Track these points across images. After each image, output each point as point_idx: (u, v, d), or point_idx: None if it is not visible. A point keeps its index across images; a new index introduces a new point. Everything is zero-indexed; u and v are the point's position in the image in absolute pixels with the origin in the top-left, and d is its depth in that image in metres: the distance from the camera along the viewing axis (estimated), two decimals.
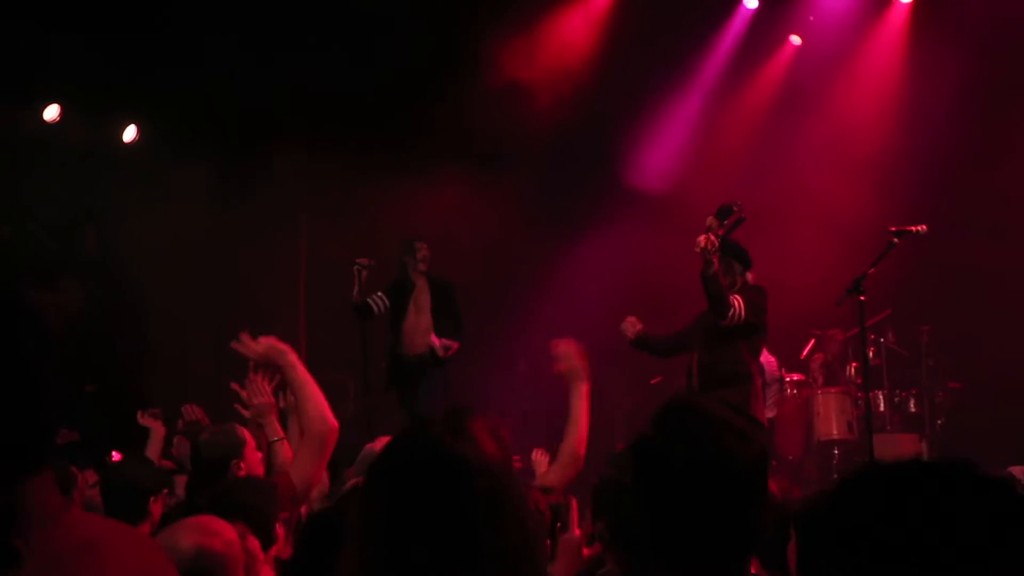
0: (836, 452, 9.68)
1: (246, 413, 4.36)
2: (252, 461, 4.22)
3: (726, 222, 6.01)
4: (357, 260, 8.51)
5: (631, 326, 7.14)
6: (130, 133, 10.49)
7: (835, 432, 9.59)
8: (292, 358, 3.87)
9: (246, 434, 4.27)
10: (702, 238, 5.99)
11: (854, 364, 9.95)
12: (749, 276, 6.68)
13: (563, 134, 10.62)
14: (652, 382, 10.26)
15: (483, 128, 10.00)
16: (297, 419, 4.21)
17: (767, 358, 9.69)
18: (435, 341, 8.34)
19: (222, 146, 10.54)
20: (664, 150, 10.96)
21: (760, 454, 1.92)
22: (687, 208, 8.25)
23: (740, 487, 1.89)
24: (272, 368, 4.01)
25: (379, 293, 8.64)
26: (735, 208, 6.01)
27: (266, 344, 3.89)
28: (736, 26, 11.02)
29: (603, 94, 10.38)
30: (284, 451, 4.22)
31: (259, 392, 4.28)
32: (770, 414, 9.59)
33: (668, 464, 1.90)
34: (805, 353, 10.40)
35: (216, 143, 10.44)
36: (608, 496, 2.93)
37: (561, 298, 10.18)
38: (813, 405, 9.73)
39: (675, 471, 1.89)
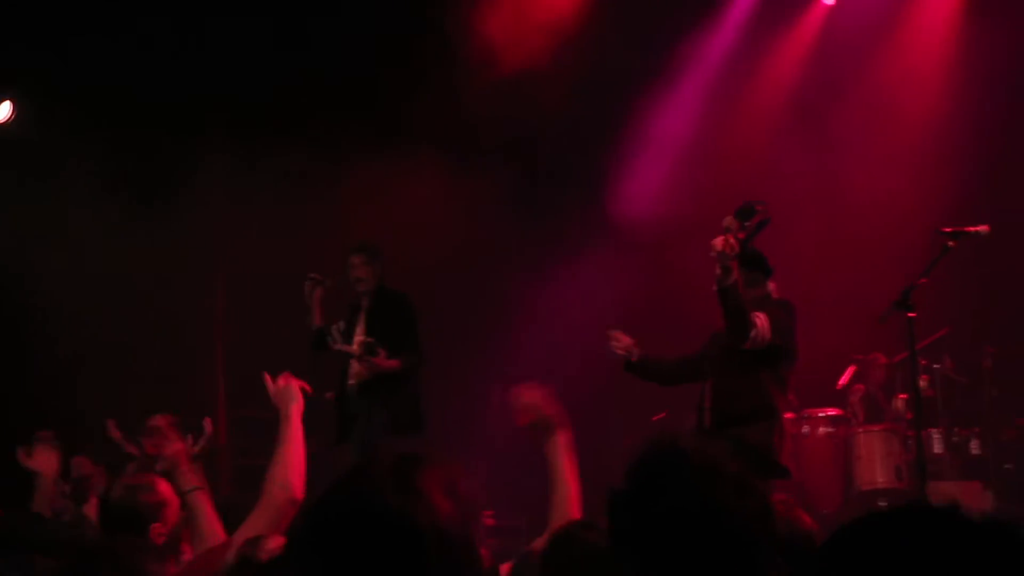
0: (882, 504, 9.62)
1: (159, 467, 4.44)
2: (174, 524, 4.25)
3: (747, 224, 5.92)
4: (310, 275, 8.42)
5: (622, 342, 7.04)
6: (3, 111, 10.39)
7: (880, 480, 9.56)
8: (297, 410, 4.13)
9: (167, 491, 4.30)
10: (719, 240, 5.90)
11: (902, 396, 9.97)
12: (771, 287, 6.64)
13: (554, 118, 10.62)
14: (654, 419, 10.23)
15: (458, 116, 10.02)
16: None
17: None
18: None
19: (126, 133, 10.41)
20: (668, 135, 10.99)
21: (762, 508, 1.94)
22: (698, 207, 8.22)
23: (737, 548, 1.88)
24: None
25: (340, 323, 8.52)
26: (758, 208, 5.94)
27: (286, 386, 4.17)
28: None
29: (597, 67, 10.39)
30: (203, 504, 4.24)
31: (168, 439, 4.55)
32: None
33: (648, 522, 1.90)
34: (842, 383, 10.35)
35: (118, 129, 10.33)
36: None
37: (547, 315, 10.17)
38: (853, 447, 9.72)
39: (656, 530, 1.89)
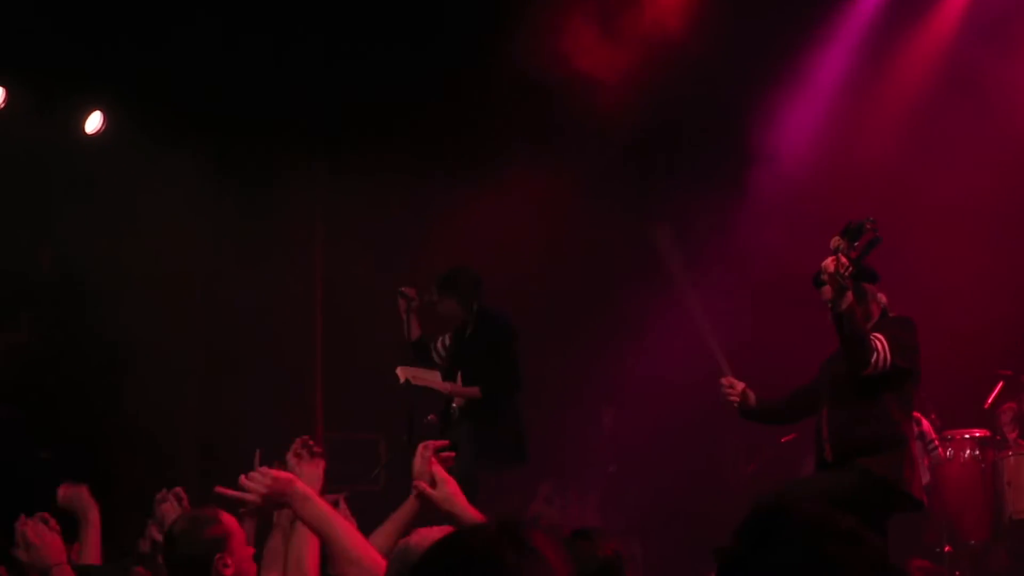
0: None
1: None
2: (242, 556, 4.39)
3: (857, 244, 6.01)
4: (400, 289, 8.81)
5: (736, 388, 7.17)
6: (94, 123, 10.74)
7: None
8: (301, 487, 3.91)
9: (233, 522, 4.44)
10: (830, 261, 5.99)
11: None
12: (883, 299, 6.68)
13: (662, 114, 10.74)
14: (783, 440, 10.35)
15: (555, 113, 10.22)
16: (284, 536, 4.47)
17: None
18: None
19: (217, 143, 10.84)
20: (795, 133, 11.01)
21: (875, 558, 2.04)
22: (830, 211, 8.31)
23: None
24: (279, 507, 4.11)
25: (445, 336, 8.91)
26: (868, 226, 6.02)
27: (268, 478, 3.90)
28: None
29: (711, 56, 10.45)
30: (306, 534, 4.23)
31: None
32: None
33: None
34: (990, 401, 10.27)
35: (210, 138, 10.74)
36: None
37: (659, 329, 10.29)
38: (1003, 471, 9.62)
39: None
